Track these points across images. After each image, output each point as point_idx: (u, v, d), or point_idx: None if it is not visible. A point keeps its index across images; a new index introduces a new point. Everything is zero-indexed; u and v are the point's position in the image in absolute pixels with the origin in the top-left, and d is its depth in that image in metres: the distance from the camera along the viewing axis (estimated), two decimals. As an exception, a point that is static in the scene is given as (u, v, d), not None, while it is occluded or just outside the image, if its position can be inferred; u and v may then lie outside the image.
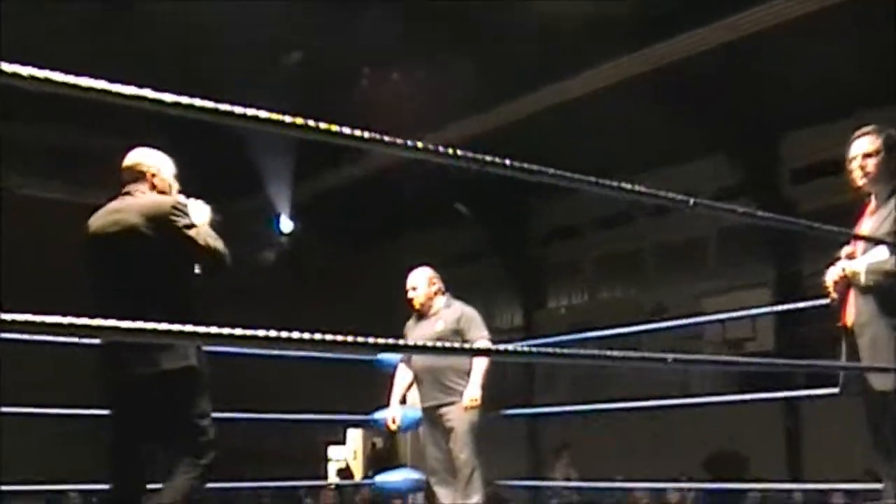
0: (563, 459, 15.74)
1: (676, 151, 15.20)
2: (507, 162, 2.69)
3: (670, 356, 2.76)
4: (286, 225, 18.45)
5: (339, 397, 7.70)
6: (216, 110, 2.19)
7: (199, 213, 4.57)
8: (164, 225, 4.31)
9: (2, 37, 7.76)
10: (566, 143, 12.98)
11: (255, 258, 18.34)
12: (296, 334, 2.28)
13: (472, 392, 6.41)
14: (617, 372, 14.82)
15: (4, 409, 6.49)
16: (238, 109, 2.20)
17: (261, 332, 2.26)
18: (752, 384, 12.10)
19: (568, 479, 14.75)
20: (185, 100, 2.13)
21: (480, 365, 6.47)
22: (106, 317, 2.11)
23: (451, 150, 2.57)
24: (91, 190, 15.03)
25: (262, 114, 2.25)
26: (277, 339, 2.25)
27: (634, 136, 14.25)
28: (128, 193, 4.49)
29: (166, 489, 4.29)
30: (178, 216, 4.34)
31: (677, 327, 9.62)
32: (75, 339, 4.16)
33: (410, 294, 6.65)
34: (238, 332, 2.24)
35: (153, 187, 4.53)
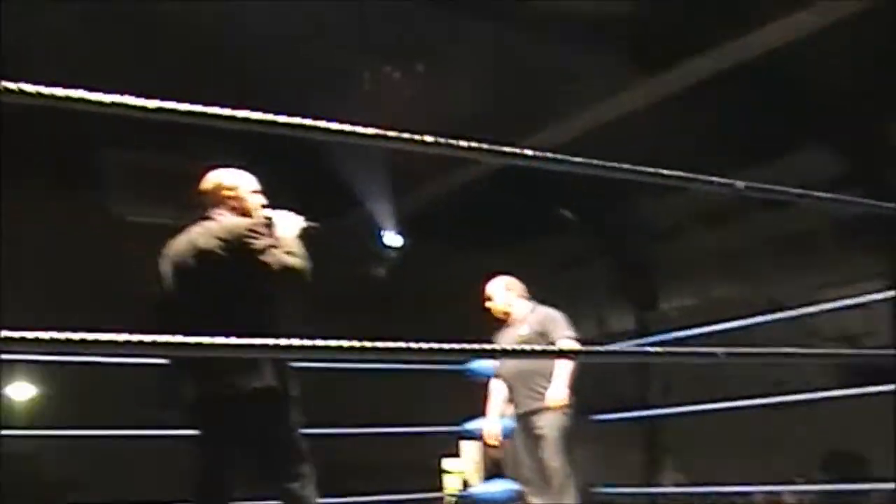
0: (673, 461, 15.54)
1: (784, 142, 14.90)
2: (593, 161, 2.66)
3: (721, 350, 2.66)
4: (391, 238, 18.48)
5: (441, 409, 7.63)
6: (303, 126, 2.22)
7: (289, 226, 4.58)
8: (238, 248, 4.34)
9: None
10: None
11: (361, 272, 18.44)
12: (384, 344, 2.28)
13: (556, 393, 6.27)
14: (732, 372, 14.54)
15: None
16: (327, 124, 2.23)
17: (347, 343, 2.26)
18: (870, 379, 11.76)
19: (679, 483, 14.54)
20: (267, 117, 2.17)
21: (564, 365, 6.34)
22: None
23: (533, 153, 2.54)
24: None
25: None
26: (363, 349, 2.25)
27: (736, 129, 13.99)
28: (207, 217, 4.54)
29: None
30: (252, 238, 4.35)
31: (787, 320, 9.33)
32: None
33: (487, 304, 6.55)
34: (323, 343, 2.26)
35: (233, 208, 4.57)
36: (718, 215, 17.59)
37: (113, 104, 1.99)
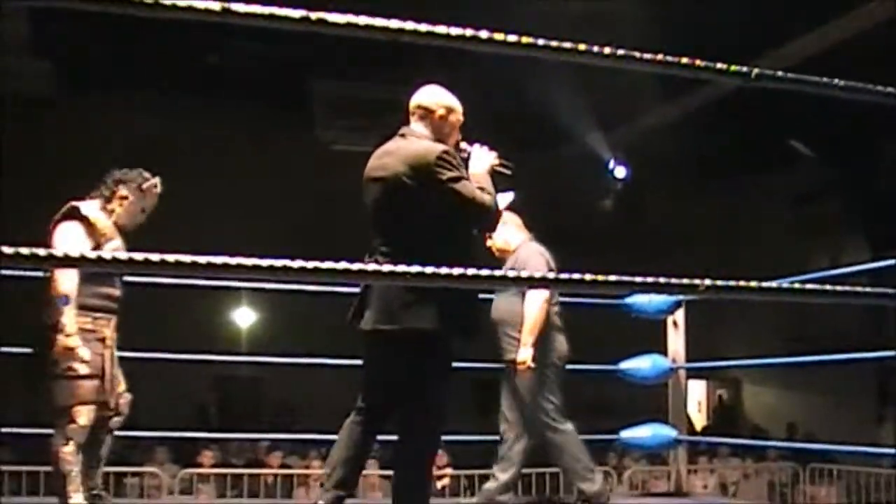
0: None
1: None
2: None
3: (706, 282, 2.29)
4: (619, 171, 18.02)
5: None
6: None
7: (480, 161, 4.40)
8: (426, 176, 4.14)
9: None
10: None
11: (588, 205, 18.11)
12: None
13: (520, 354, 5.72)
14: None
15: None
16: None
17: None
18: None
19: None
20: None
21: (528, 319, 5.69)
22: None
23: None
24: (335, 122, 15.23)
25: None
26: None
27: None
28: (402, 135, 4.35)
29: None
30: (442, 168, 4.14)
31: None
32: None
33: (488, 242, 5.97)
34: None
35: (433, 130, 4.36)
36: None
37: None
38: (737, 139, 16.47)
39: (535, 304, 5.66)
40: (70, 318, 4.49)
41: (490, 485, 5.92)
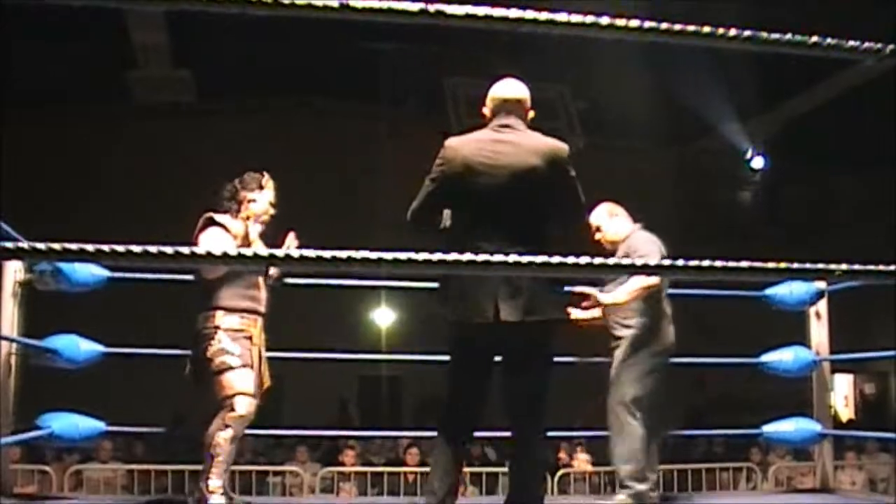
0: None
1: None
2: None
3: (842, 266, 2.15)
4: (757, 162, 17.67)
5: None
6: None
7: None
8: (560, 171, 4.17)
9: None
10: None
11: (727, 197, 17.84)
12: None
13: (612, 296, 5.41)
14: None
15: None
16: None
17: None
18: None
19: None
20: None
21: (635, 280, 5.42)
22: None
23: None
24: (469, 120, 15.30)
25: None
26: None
27: None
28: (508, 127, 4.27)
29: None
30: (571, 164, 4.21)
31: None
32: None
33: (597, 236, 5.80)
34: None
35: (526, 123, 4.35)
36: None
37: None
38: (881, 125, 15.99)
39: (639, 280, 5.55)
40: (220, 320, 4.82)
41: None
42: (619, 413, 5.52)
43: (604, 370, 5.63)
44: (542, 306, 4.09)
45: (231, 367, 4.77)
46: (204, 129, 15.24)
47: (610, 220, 5.76)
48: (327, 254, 1.89)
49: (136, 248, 1.81)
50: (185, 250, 1.88)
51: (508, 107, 4.32)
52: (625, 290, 5.42)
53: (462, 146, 4.22)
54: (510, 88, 4.38)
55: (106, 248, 1.81)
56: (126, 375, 9.49)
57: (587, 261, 2.10)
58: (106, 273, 5.58)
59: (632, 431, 5.51)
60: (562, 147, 4.22)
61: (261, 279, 5.03)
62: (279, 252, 2.03)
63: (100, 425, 5.66)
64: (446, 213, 4.35)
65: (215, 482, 4.71)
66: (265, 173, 5.15)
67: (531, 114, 4.39)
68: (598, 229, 5.76)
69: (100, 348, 5.67)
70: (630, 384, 5.53)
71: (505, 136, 4.23)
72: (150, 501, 6.57)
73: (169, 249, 1.83)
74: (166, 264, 1.88)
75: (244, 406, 4.76)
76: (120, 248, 1.81)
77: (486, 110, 4.39)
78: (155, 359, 6.18)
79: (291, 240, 5.10)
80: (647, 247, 5.65)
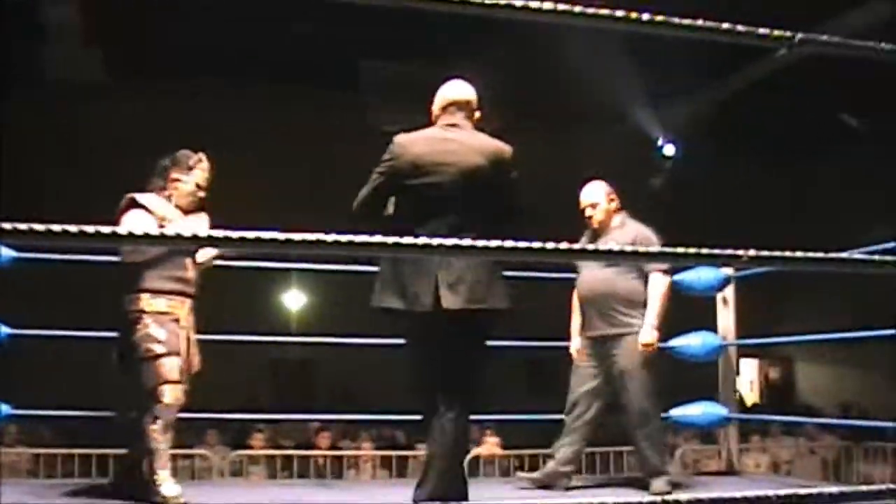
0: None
1: None
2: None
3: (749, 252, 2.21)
4: (668, 149, 17.81)
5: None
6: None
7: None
8: (503, 172, 4.39)
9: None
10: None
11: (640, 185, 17.96)
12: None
13: (645, 335, 5.63)
14: None
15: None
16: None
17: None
18: None
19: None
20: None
21: (656, 297, 5.68)
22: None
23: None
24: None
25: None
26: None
27: None
28: (456, 126, 4.48)
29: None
30: (513, 167, 4.41)
31: None
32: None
33: (589, 212, 5.94)
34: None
35: (474, 124, 4.56)
36: None
37: None
38: (790, 116, 16.23)
39: (663, 284, 5.73)
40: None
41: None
42: (646, 411, 5.69)
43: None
44: (484, 295, 4.23)
45: (157, 355, 4.73)
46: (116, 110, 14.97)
47: (609, 203, 5.90)
48: (250, 235, 1.87)
49: (40, 227, 1.77)
50: (90, 229, 1.84)
51: (456, 107, 4.52)
52: (655, 315, 5.69)
53: (411, 143, 4.39)
54: (458, 90, 4.58)
55: (8, 226, 1.76)
56: (38, 358, 9.28)
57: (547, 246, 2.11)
58: (13, 253, 5.48)
59: (655, 424, 5.77)
60: (506, 149, 4.43)
61: (188, 260, 4.96)
62: (185, 231, 2.05)
63: (5, 408, 5.58)
64: (390, 201, 4.47)
65: (163, 473, 4.70)
66: (201, 154, 5.07)
67: (477, 114, 4.57)
68: (593, 206, 5.87)
69: (4, 329, 5.58)
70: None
71: (452, 135, 4.42)
72: (56, 485, 6.46)
73: (73, 228, 1.79)
74: (71, 243, 1.84)
75: (170, 395, 4.73)
76: (22, 227, 1.77)
77: (435, 109, 4.58)
78: (71, 341, 6.11)
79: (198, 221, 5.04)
80: (654, 239, 5.79)
